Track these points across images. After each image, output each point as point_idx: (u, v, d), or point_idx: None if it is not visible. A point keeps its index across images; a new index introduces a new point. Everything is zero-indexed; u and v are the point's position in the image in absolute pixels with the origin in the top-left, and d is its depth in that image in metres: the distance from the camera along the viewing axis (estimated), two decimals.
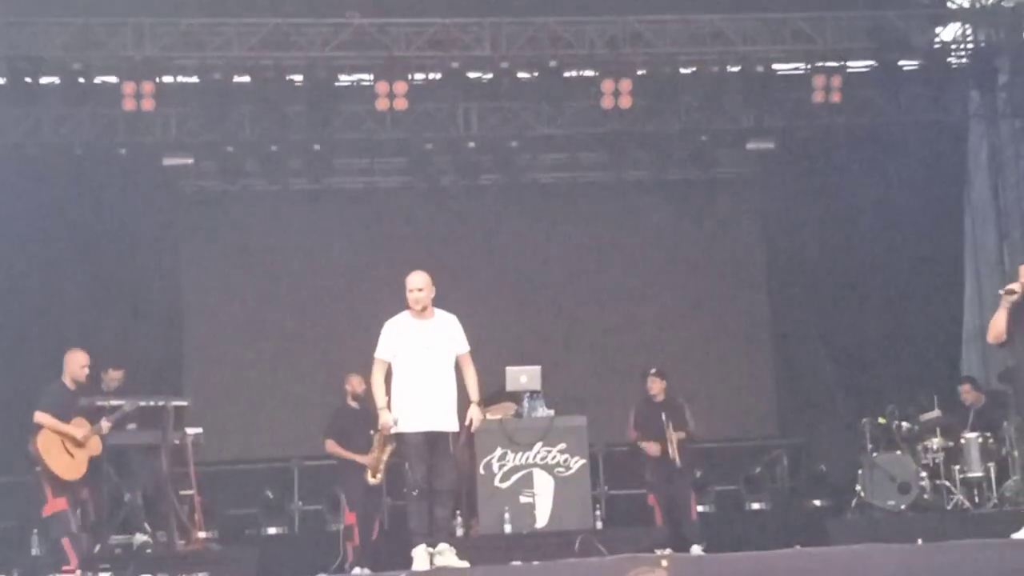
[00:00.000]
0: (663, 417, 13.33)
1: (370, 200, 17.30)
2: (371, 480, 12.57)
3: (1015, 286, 11.03)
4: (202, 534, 12.70)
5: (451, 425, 10.14)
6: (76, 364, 11.37)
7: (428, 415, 10.14)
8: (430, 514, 10.20)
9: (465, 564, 10.06)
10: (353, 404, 13.14)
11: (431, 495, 10.10)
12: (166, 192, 16.72)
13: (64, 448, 11.11)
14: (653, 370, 13.75)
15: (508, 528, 12.20)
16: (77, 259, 15.66)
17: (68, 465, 11.14)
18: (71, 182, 15.59)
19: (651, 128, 16.22)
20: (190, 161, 16.07)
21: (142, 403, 12.14)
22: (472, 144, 16.35)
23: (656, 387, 13.62)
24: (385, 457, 12.58)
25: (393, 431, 10.13)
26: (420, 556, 9.86)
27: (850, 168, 16.70)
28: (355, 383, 13.08)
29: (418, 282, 10.54)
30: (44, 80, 14.65)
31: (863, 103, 16.07)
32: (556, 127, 16.30)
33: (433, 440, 10.07)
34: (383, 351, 10.40)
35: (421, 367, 10.31)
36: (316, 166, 16.45)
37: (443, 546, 10.04)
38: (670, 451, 13.35)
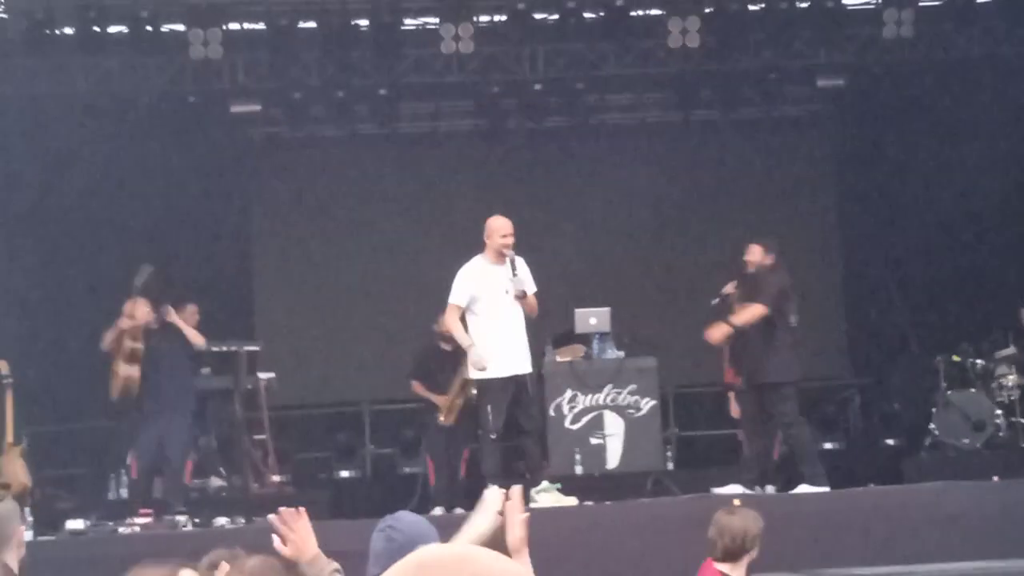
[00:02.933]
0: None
1: (436, 144, 17.33)
2: (441, 420, 12.73)
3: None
4: (276, 477, 12.88)
5: (530, 367, 10.25)
6: None
7: (512, 359, 10.32)
8: (525, 454, 10.36)
9: (572, 500, 10.17)
10: (442, 345, 13.23)
11: (520, 436, 10.23)
12: (234, 139, 16.85)
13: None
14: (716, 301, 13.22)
15: (579, 470, 12.23)
16: (148, 208, 15.81)
17: None
18: (140, 131, 15.71)
19: (719, 67, 16.04)
20: (258, 108, 16.12)
21: (215, 349, 12.29)
22: (538, 86, 16.26)
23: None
24: (460, 401, 12.72)
25: (477, 377, 10.23)
26: (494, 497, 9.95)
27: (923, 105, 16.50)
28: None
29: (510, 227, 10.68)
30: (112, 29, 14.73)
31: (936, 37, 15.79)
32: (623, 67, 16.14)
33: (519, 383, 10.19)
34: (460, 297, 10.50)
35: (502, 312, 10.48)
36: (382, 111, 16.47)
37: (546, 483, 10.19)
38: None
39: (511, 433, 10.90)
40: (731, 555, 7.16)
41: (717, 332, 11.79)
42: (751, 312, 11.68)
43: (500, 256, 10.77)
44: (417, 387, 13.32)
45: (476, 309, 10.67)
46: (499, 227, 10.88)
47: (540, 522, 8.91)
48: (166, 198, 15.99)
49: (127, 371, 11.84)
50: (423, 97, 16.90)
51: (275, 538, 4.60)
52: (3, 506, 4.83)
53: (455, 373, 12.91)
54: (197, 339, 12.12)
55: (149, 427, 11.91)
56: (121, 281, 13.45)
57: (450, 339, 13.19)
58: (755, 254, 12.16)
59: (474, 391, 12.92)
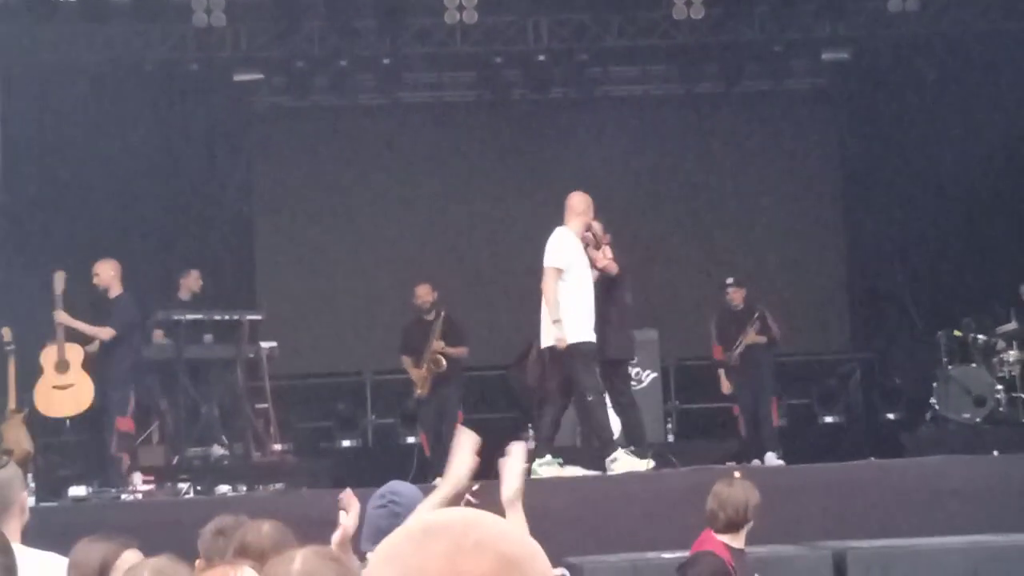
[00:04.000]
0: (754, 318, 13.48)
1: (440, 114, 17.31)
2: (417, 392, 12.93)
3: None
4: (277, 446, 12.90)
5: None
6: None
7: (592, 327, 10.52)
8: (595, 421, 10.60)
9: (577, 471, 10.31)
10: (424, 316, 13.33)
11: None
12: (237, 108, 16.83)
13: None
14: (730, 280, 13.76)
15: (580, 440, 12.25)
16: (150, 176, 15.76)
17: None
18: (143, 99, 15.68)
19: (723, 39, 16.01)
20: (260, 77, 16.13)
21: (217, 317, 12.32)
22: (542, 57, 16.22)
23: (737, 297, 13.68)
24: (429, 374, 12.88)
25: (571, 341, 10.37)
26: (628, 461, 10.14)
27: (928, 78, 16.43)
28: (423, 293, 13.33)
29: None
30: None
31: (942, 10, 15.74)
32: (627, 39, 16.11)
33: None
34: (561, 260, 10.64)
35: (588, 282, 10.66)
36: (385, 81, 16.43)
37: (549, 457, 10.33)
38: (734, 355, 13.53)
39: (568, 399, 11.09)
40: (732, 526, 7.22)
41: None
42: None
43: (585, 230, 10.91)
44: (405, 361, 13.44)
45: (567, 277, 10.79)
46: (589, 204, 11.20)
47: (541, 493, 8.95)
48: (168, 166, 15.96)
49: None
50: (426, 67, 16.86)
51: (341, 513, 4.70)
52: (6, 472, 4.81)
53: (426, 345, 13.06)
54: (99, 334, 12.20)
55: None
56: (122, 248, 13.46)
57: (429, 311, 13.32)
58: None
59: (444, 364, 13.08)
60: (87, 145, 15.08)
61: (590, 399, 10.78)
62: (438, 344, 13.18)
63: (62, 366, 11.75)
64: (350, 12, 15.09)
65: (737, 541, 7.28)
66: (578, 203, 11.36)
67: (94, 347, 12.16)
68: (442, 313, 13.44)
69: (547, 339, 11.05)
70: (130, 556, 4.59)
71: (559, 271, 10.89)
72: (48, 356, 11.84)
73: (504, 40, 15.91)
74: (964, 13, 15.82)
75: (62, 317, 11.95)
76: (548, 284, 10.90)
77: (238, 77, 15.97)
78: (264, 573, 3.28)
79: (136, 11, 14.77)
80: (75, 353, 11.80)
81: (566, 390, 11.07)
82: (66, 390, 11.75)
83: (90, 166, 15.14)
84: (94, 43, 15.21)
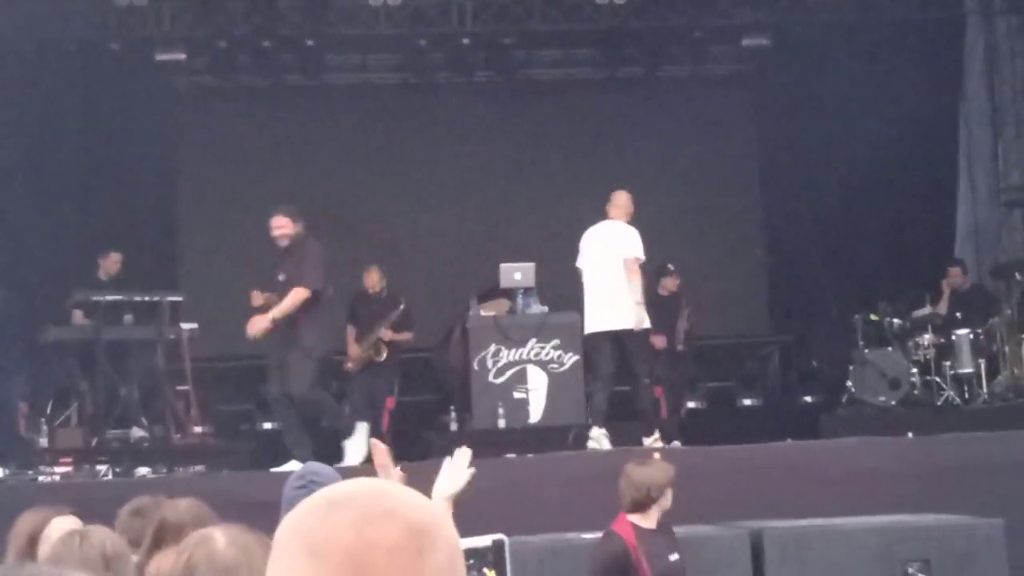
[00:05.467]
0: (681, 307, 13.60)
1: (364, 96, 17.24)
2: (348, 366, 12.92)
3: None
4: (198, 429, 12.81)
5: None
6: None
7: None
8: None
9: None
10: (371, 292, 13.43)
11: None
12: (159, 88, 16.67)
13: None
14: (671, 267, 13.81)
15: (502, 423, 12.24)
16: (70, 155, 15.58)
17: None
18: (63, 78, 15.47)
19: (645, 24, 16.09)
20: (183, 57, 15.97)
21: (137, 298, 12.20)
22: (466, 40, 16.21)
23: (672, 284, 13.74)
24: (366, 356, 12.87)
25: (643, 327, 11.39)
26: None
27: (846, 65, 16.58)
28: (373, 279, 13.38)
29: None
30: None
31: None
32: (550, 23, 16.12)
33: None
34: (642, 251, 11.53)
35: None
36: (309, 62, 16.35)
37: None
38: (678, 340, 13.60)
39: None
40: (639, 505, 7.26)
41: (256, 327, 11.08)
42: (295, 297, 10.99)
43: None
44: (349, 332, 13.44)
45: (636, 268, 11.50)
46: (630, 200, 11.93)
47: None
48: (89, 146, 15.76)
49: None
50: (351, 49, 16.80)
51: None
52: None
53: (372, 328, 13.02)
54: None
55: None
56: (39, 227, 13.30)
57: (380, 292, 13.31)
58: (285, 226, 11.32)
59: (384, 354, 13.06)
60: (4, 124, 14.85)
61: (646, 381, 11.68)
62: (386, 333, 13.16)
63: None
64: None
65: (647, 521, 7.30)
66: (627, 201, 11.93)
67: None
68: (401, 306, 13.41)
69: (619, 323, 11.43)
70: (61, 521, 4.55)
71: (639, 260, 11.53)
72: None
73: (428, 22, 15.86)
74: (882, 1, 15.98)
75: None
76: (636, 272, 11.49)
77: (160, 57, 15.80)
78: (182, 550, 3.24)
79: None
80: None
81: (619, 372, 11.66)
82: None
83: (7, 145, 14.92)
84: (12, 18, 14.96)
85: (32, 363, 12.58)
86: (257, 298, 10.95)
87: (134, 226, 15.62)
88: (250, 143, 16.89)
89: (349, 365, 13.27)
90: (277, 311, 10.84)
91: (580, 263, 12.05)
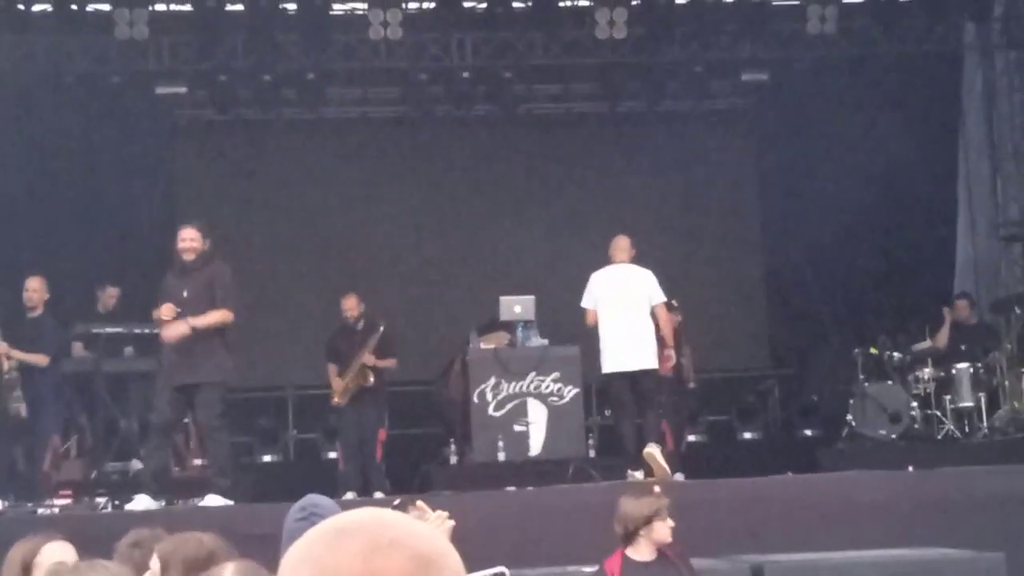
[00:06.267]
0: (683, 343, 13.58)
1: (364, 130, 17.29)
2: (334, 400, 12.86)
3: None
4: (197, 461, 12.76)
5: None
6: None
7: None
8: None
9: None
10: (351, 326, 13.27)
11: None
12: (160, 121, 16.71)
13: None
14: (674, 303, 13.68)
15: (502, 456, 12.21)
16: (70, 188, 15.59)
17: None
18: (64, 111, 15.50)
19: (645, 59, 16.13)
20: (183, 90, 16.00)
21: (137, 331, 12.19)
22: (466, 74, 16.25)
23: (674, 320, 13.58)
24: (354, 385, 12.81)
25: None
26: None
27: (844, 100, 16.65)
28: (350, 305, 13.27)
29: None
30: (36, 8, 14.56)
31: (858, 34, 15.95)
32: (550, 57, 16.17)
33: None
34: None
35: None
36: (309, 96, 16.36)
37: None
38: (687, 377, 13.60)
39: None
40: (627, 538, 7.33)
41: (173, 331, 10.69)
42: (221, 317, 10.70)
43: None
44: (331, 369, 13.32)
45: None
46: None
47: (460, 507, 8.90)
48: (88, 179, 15.77)
49: None
50: (351, 83, 16.84)
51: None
52: None
53: (355, 357, 12.98)
54: (38, 361, 12.10)
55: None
56: (40, 261, 13.27)
57: (357, 321, 13.24)
58: (196, 240, 10.99)
59: (371, 378, 13.00)
60: (7, 155, 14.88)
61: (655, 419, 11.99)
62: (369, 358, 13.07)
63: None
64: (274, 26, 15.03)
65: (638, 553, 7.33)
66: (630, 244, 12.27)
67: (12, 366, 11.99)
68: (381, 328, 13.30)
69: (637, 364, 11.74)
70: (53, 548, 4.53)
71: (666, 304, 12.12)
72: None
73: (428, 57, 15.92)
74: (881, 36, 16.02)
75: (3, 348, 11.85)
76: (665, 315, 12.01)
77: (160, 90, 15.83)
78: None
79: (58, 22, 14.63)
80: None
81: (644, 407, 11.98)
82: None
83: (7, 178, 14.94)
84: (14, 54, 15.02)
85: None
86: (169, 311, 10.72)
87: (133, 259, 15.59)
88: (250, 176, 16.92)
89: (336, 400, 13.16)
90: (198, 322, 10.58)
91: (588, 304, 12.09)
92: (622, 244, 12.19)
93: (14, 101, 15.10)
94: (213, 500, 10.56)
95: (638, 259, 12.18)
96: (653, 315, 11.91)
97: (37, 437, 12.12)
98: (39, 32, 14.79)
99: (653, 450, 11.26)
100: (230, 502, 10.61)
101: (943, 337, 14.13)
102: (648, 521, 7.33)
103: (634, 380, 11.81)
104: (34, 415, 12.03)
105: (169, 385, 10.63)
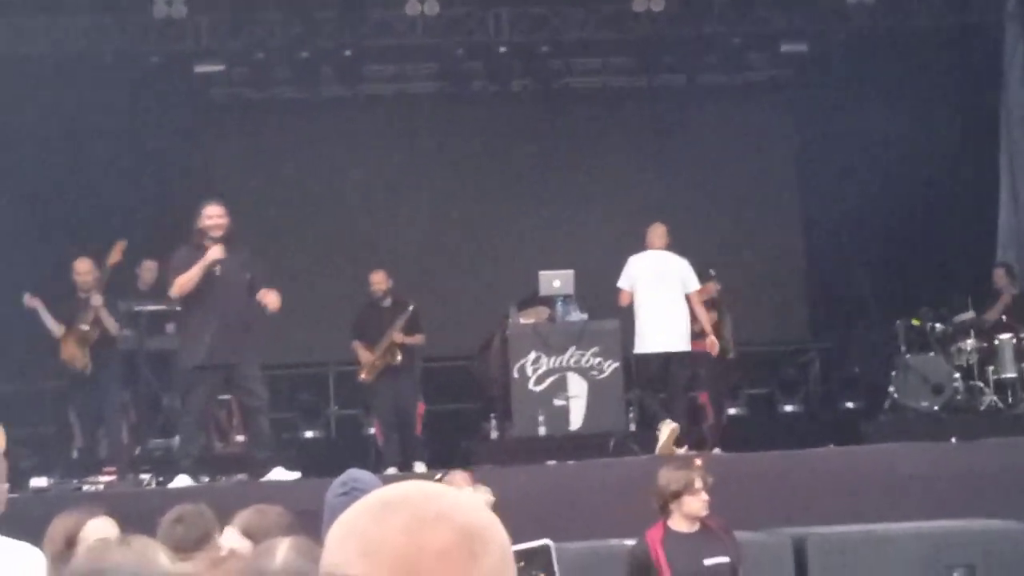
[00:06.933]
0: (723, 312, 13.59)
1: (401, 107, 17.25)
2: (361, 377, 12.88)
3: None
4: (240, 437, 12.81)
5: None
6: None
7: None
8: None
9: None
10: (379, 303, 13.31)
11: None
12: (198, 99, 16.74)
13: None
14: (712, 272, 13.65)
15: (542, 431, 12.23)
16: (108, 166, 15.62)
17: None
18: (102, 90, 15.53)
19: (683, 32, 16.04)
20: (221, 68, 16.03)
21: (179, 307, 12.23)
22: (503, 49, 16.19)
23: (711, 289, 13.53)
24: (381, 362, 12.83)
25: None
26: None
27: (884, 72, 16.50)
28: (377, 280, 13.29)
29: None
30: None
31: (898, 4, 15.82)
32: (587, 31, 16.10)
33: None
34: None
35: None
36: (346, 72, 16.35)
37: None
38: (728, 347, 13.54)
39: None
40: (662, 510, 7.45)
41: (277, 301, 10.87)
42: (277, 299, 10.79)
43: None
44: (356, 346, 13.32)
45: None
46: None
47: (502, 481, 8.91)
48: (128, 158, 15.80)
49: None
50: (387, 59, 16.81)
51: None
52: None
53: (384, 334, 12.98)
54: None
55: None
56: (80, 238, 13.32)
57: (383, 297, 13.25)
58: (222, 216, 11.06)
59: (399, 357, 13.03)
60: (46, 136, 14.95)
61: (682, 399, 12.41)
62: (398, 336, 13.08)
63: None
64: (310, 3, 15.04)
65: (678, 524, 7.40)
66: (666, 232, 12.65)
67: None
68: (411, 308, 13.31)
69: (673, 346, 12.10)
70: (97, 524, 4.55)
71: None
72: None
73: (465, 32, 15.87)
74: (920, 6, 15.90)
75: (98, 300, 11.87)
76: (699, 301, 12.46)
77: (199, 69, 15.86)
78: (248, 560, 3.26)
79: (95, 3, 14.67)
80: None
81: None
82: None
83: (49, 158, 15.01)
84: (51, 34, 15.07)
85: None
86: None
87: (173, 235, 15.62)
88: (288, 154, 16.92)
89: (363, 376, 13.16)
90: (276, 303, 10.62)
91: (624, 284, 12.26)
92: (659, 231, 12.50)
93: (53, 81, 15.15)
94: (279, 474, 10.63)
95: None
96: (688, 300, 12.24)
97: (107, 412, 12.14)
98: (77, 12, 14.83)
99: (666, 428, 11.42)
100: (296, 474, 10.65)
101: (996, 312, 14.00)
102: (677, 495, 7.39)
103: (668, 360, 12.07)
104: (103, 392, 12.06)
105: (209, 364, 10.64)
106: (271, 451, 11.00)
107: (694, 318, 12.32)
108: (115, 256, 11.95)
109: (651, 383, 12.32)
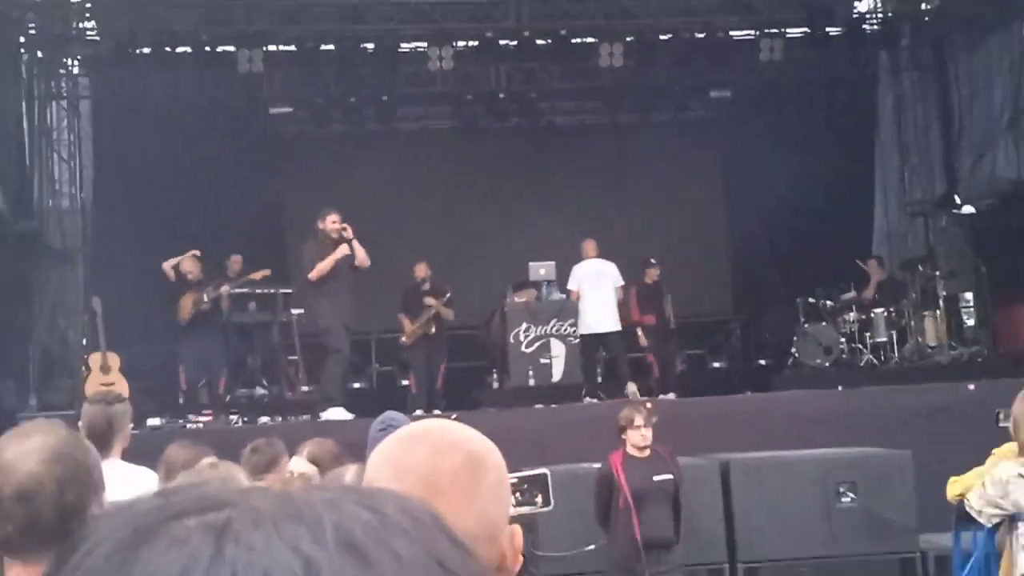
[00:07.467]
0: (663, 293, 13.57)
1: (424, 138, 17.23)
2: (402, 340, 12.98)
3: None
4: (304, 388, 12.81)
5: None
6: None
7: None
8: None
9: None
10: (420, 286, 13.40)
11: None
12: (271, 135, 16.72)
13: None
14: (653, 260, 13.68)
15: (532, 382, 12.20)
16: (206, 188, 15.54)
17: None
18: (199, 128, 15.52)
19: (637, 82, 16.05)
20: (290, 110, 16.00)
21: (259, 291, 12.21)
22: (502, 95, 16.24)
23: (653, 274, 13.57)
24: (421, 331, 12.87)
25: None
26: None
27: (789, 111, 16.50)
28: (421, 269, 13.41)
29: None
30: (179, 49, 14.55)
31: (799, 61, 15.80)
32: (565, 82, 16.14)
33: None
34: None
35: None
36: (384, 113, 16.39)
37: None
38: (669, 320, 13.53)
39: None
40: (620, 440, 7.49)
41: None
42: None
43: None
44: (402, 318, 13.38)
45: None
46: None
47: (501, 421, 8.88)
48: (218, 180, 15.74)
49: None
50: (414, 103, 16.81)
51: None
52: (122, 407, 4.84)
53: (424, 310, 13.05)
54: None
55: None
56: (187, 242, 13.23)
57: (424, 282, 13.32)
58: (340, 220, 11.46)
59: (434, 328, 13.06)
60: (157, 164, 14.93)
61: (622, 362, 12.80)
62: (442, 309, 13.19)
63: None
64: (357, 60, 15.02)
65: (631, 450, 7.43)
66: (596, 244, 12.89)
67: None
68: (448, 294, 13.39)
69: (607, 327, 12.44)
70: (209, 461, 4.54)
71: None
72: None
73: (473, 82, 15.89)
74: (815, 63, 15.89)
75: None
76: (623, 294, 12.68)
77: (273, 111, 15.84)
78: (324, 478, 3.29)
79: (195, 60, 14.65)
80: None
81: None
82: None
83: (160, 181, 14.99)
84: (163, 85, 15.07)
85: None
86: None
87: (255, 236, 15.58)
88: (340, 174, 16.84)
89: (404, 340, 13.23)
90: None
91: (572, 286, 12.51)
92: (591, 244, 12.85)
93: (164, 121, 15.14)
94: (337, 414, 10.61)
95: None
96: (617, 292, 12.59)
97: (207, 368, 12.11)
98: (181, 68, 14.79)
99: (631, 386, 11.88)
100: (349, 415, 10.63)
101: (870, 291, 14.01)
102: (624, 430, 7.39)
103: (606, 337, 12.45)
104: (204, 353, 11.99)
105: (345, 324, 10.99)
106: (335, 395, 10.99)
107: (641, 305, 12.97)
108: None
109: (592, 354, 12.71)
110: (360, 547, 0.57)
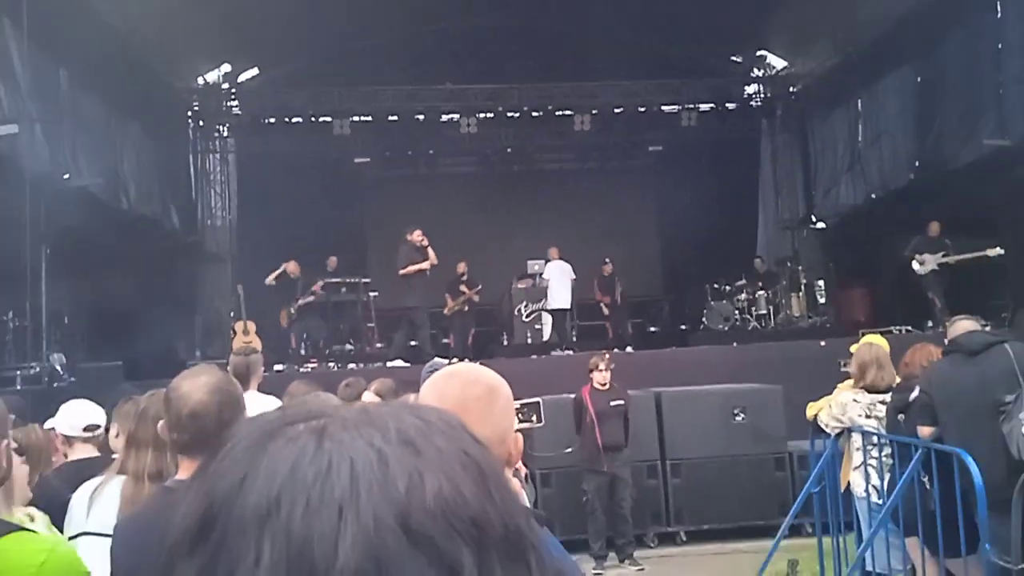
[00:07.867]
0: (615, 281, 13.51)
1: (457, 179, 17.12)
2: (445, 311, 12.95)
3: None
4: (379, 345, 12.79)
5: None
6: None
7: None
8: None
9: None
10: (460, 278, 13.34)
11: None
12: (355, 179, 16.63)
13: None
14: (608, 259, 13.69)
15: (529, 341, 12.19)
16: (311, 213, 15.37)
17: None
18: (308, 172, 15.43)
19: (598, 139, 15.99)
20: (368, 160, 15.92)
21: (349, 280, 12.15)
22: (509, 150, 16.17)
23: (608, 269, 13.59)
24: (458, 307, 12.82)
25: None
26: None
27: (702, 162, 16.38)
28: (462, 267, 13.34)
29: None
30: (294, 120, 14.53)
31: (708, 126, 15.75)
32: (551, 140, 16.06)
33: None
34: None
35: None
36: (430, 161, 16.32)
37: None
38: (620, 300, 13.50)
39: None
40: (589, 378, 7.46)
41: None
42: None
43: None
44: (447, 298, 13.36)
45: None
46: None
47: (509, 366, 8.81)
48: (320, 208, 15.53)
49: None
50: (449, 154, 16.73)
51: None
52: (257, 357, 4.82)
53: (461, 295, 13.02)
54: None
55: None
56: (302, 253, 12.99)
57: (462, 276, 13.25)
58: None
59: (467, 308, 13.02)
60: (280, 197, 14.84)
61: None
62: (471, 292, 13.19)
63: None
64: (413, 125, 14.98)
65: (596, 385, 7.46)
66: (558, 250, 12.71)
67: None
68: (479, 286, 13.37)
69: (564, 305, 12.37)
70: (315, 392, 4.50)
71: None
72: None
73: (489, 140, 15.83)
74: (719, 127, 15.81)
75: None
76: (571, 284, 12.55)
77: (357, 160, 15.77)
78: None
79: (304, 127, 14.65)
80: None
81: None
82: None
83: (281, 208, 14.87)
84: (282, 145, 15.02)
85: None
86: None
87: (346, 247, 15.38)
88: (403, 204, 16.73)
89: (447, 311, 13.23)
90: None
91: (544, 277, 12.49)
92: (555, 250, 12.81)
93: (284, 168, 15.07)
94: (397, 363, 10.59)
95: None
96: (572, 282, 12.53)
97: (314, 332, 12.08)
98: (295, 132, 14.75)
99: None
100: (407, 365, 10.60)
101: (754, 281, 13.92)
102: (591, 371, 7.39)
103: (561, 311, 12.44)
104: (312, 323, 11.98)
105: (417, 304, 11.04)
106: (403, 350, 10.99)
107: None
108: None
109: (562, 323, 12.59)
110: (413, 442, 0.57)
